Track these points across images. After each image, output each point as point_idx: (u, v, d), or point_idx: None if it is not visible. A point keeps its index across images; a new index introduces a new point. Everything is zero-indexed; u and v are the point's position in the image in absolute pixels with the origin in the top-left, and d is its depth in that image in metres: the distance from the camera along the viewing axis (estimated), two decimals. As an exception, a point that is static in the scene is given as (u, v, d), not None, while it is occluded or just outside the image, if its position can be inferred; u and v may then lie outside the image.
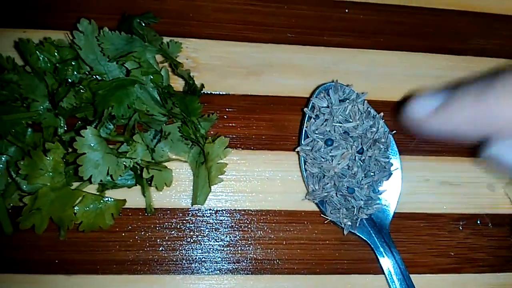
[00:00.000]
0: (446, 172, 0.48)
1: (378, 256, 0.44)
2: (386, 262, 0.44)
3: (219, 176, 0.44)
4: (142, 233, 0.44)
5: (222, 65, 0.48)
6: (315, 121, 0.44)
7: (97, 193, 0.43)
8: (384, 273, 0.44)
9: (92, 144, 0.39)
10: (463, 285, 0.46)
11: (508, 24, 0.53)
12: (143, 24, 0.45)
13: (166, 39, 0.46)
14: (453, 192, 0.48)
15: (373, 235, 0.45)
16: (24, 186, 0.41)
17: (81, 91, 0.42)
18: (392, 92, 0.50)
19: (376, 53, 0.51)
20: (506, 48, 0.52)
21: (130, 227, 0.44)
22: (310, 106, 0.45)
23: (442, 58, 0.52)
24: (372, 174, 0.44)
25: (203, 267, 0.44)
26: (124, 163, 0.41)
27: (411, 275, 0.44)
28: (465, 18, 0.53)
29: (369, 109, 0.45)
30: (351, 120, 0.44)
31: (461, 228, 0.47)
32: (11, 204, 0.42)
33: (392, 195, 0.46)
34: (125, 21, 0.45)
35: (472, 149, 0.49)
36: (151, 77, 0.43)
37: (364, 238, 0.45)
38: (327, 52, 0.50)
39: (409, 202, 0.47)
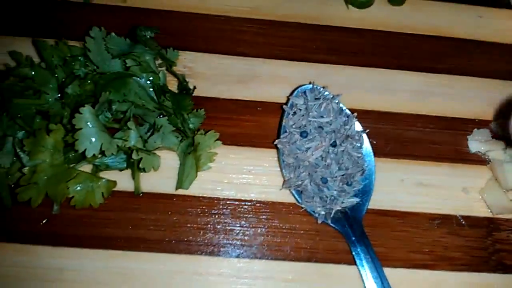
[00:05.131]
0: (421, 174, 0.51)
1: (351, 247, 0.46)
2: (359, 253, 0.45)
3: (209, 164, 0.48)
4: (129, 213, 0.47)
5: (214, 74, 0.54)
6: (293, 117, 0.48)
7: (91, 173, 0.47)
8: (356, 264, 0.45)
9: (88, 121, 0.44)
10: (438, 282, 0.46)
11: (479, 47, 0.58)
12: (145, 34, 0.52)
13: (167, 50, 0.52)
14: (427, 193, 0.50)
15: (347, 226, 0.47)
16: (26, 161, 0.45)
17: (87, 82, 0.48)
18: (371, 103, 0.54)
19: (355, 69, 0.56)
20: (478, 68, 0.57)
21: (118, 207, 0.47)
22: (289, 104, 0.49)
23: (419, 76, 0.56)
24: (345, 167, 0.47)
25: (182, 248, 0.46)
26: (117, 143, 0.46)
27: (385, 268, 0.45)
28: (441, 41, 0.58)
29: (343, 108, 0.49)
30: (325, 116, 0.47)
31: (436, 226, 0.48)
32: (13, 181, 0.46)
33: (366, 190, 0.48)
34: (131, 31, 0.52)
35: (446, 155, 0.52)
36: (150, 78, 0.49)
37: (338, 229, 0.46)
38: (310, 67, 0.55)
39: (384, 200, 0.49)
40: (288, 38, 0.57)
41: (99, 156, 0.46)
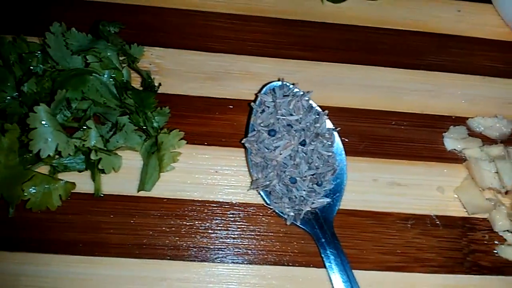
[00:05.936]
0: (395, 173, 0.49)
1: (320, 249, 0.44)
2: (328, 255, 0.44)
3: (172, 164, 0.46)
4: (89, 216, 0.45)
5: (183, 71, 0.52)
6: (261, 115, 0.46)
7: (48, 174, 0.45)
8: (326, 267, 0.43)
9: (43, 120, 0.42)
10: (411, 284, 0.45)
11: (458, 43, 0.56)
12: (109, 29, 0.50)
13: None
14: (401, 193, 0.48)
15: (317, 227, 0.45)
16: (-20, 163, 0.43)
17: (45, 79, 0.45)
18: (344, 100, 0.52)
19: (330, 65, 0.54)
20: (457, 64, 0.55)
21: (77, 210, 0.45)
22: (257, 102, 0.47)
23: (396, 72, 0.54)
24: (315, 166, 0.45)
25: (144, 252, 0.44)
26: (75, 143, 0.43)
27: (356, 271, 0.43)
28: (419, 37, 0.57)
29: (313, 106, 0.47)
30: (294, 114, 0.46)
31: (409, 226, 0.47)
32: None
33: (337, 190, 0.46)
34: (94, 26, 0.50)
35: (421, 153, 0.50)
36: (113, 74, 0.47)
37: (307, 230, 0.45)
38: (284, 63, 0.53)
39: (356, 200, 0.48)
40: (261, 33, 0.55)
41: (57, 157, 0.44)
